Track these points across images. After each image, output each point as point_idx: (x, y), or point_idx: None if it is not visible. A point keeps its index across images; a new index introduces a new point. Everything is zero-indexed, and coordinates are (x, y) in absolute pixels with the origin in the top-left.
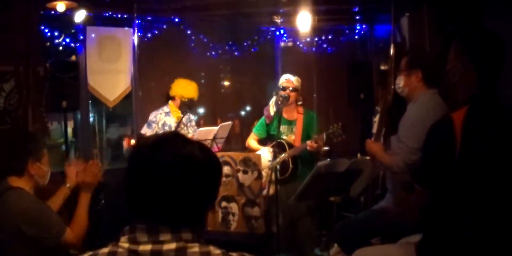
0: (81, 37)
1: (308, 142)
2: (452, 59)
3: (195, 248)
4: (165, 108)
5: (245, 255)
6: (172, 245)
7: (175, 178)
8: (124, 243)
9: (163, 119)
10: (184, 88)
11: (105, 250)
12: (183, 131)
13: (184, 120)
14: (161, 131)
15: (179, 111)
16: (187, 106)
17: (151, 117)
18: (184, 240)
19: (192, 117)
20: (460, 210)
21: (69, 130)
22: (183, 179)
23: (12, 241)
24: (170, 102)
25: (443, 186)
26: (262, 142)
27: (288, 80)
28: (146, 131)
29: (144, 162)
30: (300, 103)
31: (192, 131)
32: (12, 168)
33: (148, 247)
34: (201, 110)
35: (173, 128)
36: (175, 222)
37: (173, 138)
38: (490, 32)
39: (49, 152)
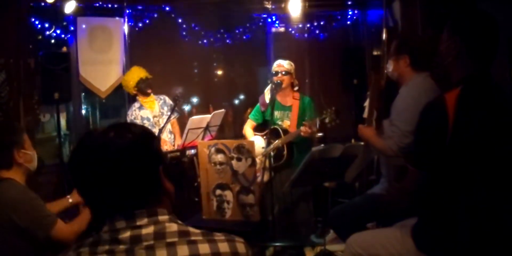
0: (72, 28)
1: (302, 128)
2: (445, 40)
3: (173, 227)
4: (136, 104)
5: (233, 237)
6: (150, 229)
7: (111, 170)
8: (105, 233)
9: (139, 115)
10: (125, 79)
11: (89, 240)
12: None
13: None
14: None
15: (153, 100)
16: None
17: (129, 117)
18: (161, 222)
19: (168, 100)
20: (454, 191)
21: (63, 122)
22: (117, 168)
23: (6, 234)
24: (137, 97)
25: (437, 167)
26: (259, 129)
27: (279, 64)
28: None
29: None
30: (296, 88)
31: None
32: (0, 163)
33: (127, 234)
34: (194, 99)
35: (152, 120)
36: (149, 205)
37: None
38: (482, 12)
39: (43, 145)
